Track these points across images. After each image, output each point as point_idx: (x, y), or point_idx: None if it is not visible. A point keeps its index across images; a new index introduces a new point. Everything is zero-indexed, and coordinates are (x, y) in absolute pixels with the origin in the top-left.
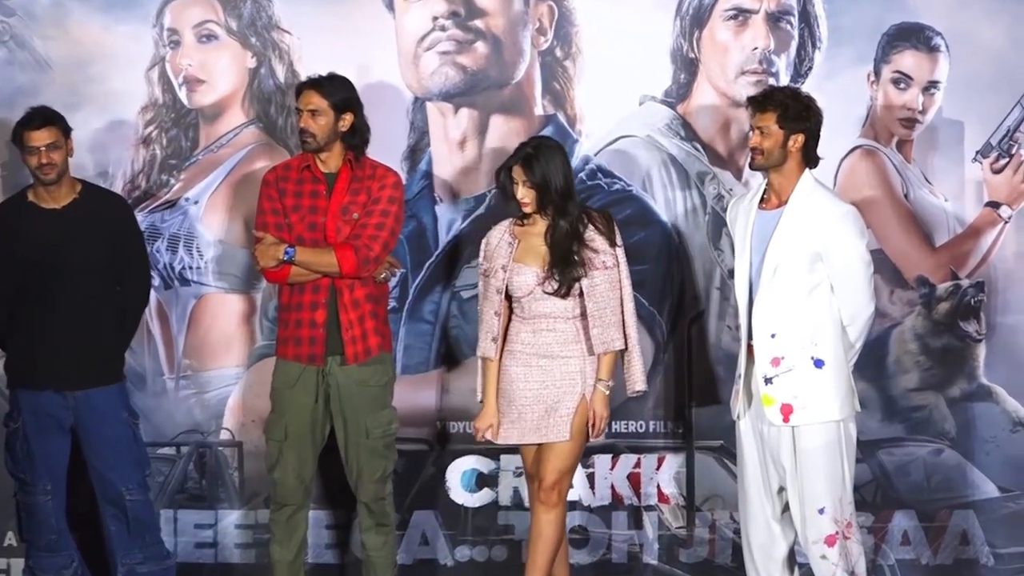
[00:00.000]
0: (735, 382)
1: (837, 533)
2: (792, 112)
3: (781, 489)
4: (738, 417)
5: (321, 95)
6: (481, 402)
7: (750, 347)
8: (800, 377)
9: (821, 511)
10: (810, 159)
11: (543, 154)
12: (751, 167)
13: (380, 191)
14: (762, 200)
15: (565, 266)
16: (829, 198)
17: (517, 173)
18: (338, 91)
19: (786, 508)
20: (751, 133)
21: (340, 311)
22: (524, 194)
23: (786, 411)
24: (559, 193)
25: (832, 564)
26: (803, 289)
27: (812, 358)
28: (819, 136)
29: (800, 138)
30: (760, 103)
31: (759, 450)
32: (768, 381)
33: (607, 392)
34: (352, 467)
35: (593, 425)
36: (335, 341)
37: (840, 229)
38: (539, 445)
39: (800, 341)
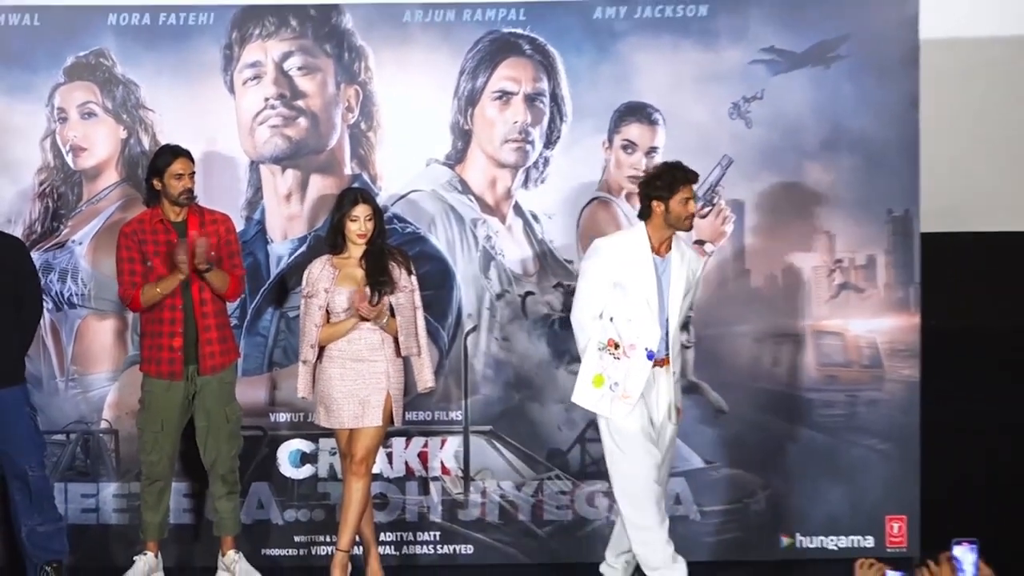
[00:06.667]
0: (635, 394)
1: None
2: None
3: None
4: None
5: (191, 162)
6: (303, 398)
7: (660, 362)
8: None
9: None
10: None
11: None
12: (689, 230)
13: (228, 234)
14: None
15: (380, 275)
16: (689, 246)
17: (363, 210)
18: None
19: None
20: (693, 202)
21: (200, 330)
22: (366, 228)
23: (678, 412)
24: (382, 223)
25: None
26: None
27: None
28: None
29: None
30: (695, 176)
31: (651, 434)
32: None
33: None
34: (212, 448)
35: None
36: (192, 355)
37: (699, 269)
38: (352, 429)
39: (676, 356)
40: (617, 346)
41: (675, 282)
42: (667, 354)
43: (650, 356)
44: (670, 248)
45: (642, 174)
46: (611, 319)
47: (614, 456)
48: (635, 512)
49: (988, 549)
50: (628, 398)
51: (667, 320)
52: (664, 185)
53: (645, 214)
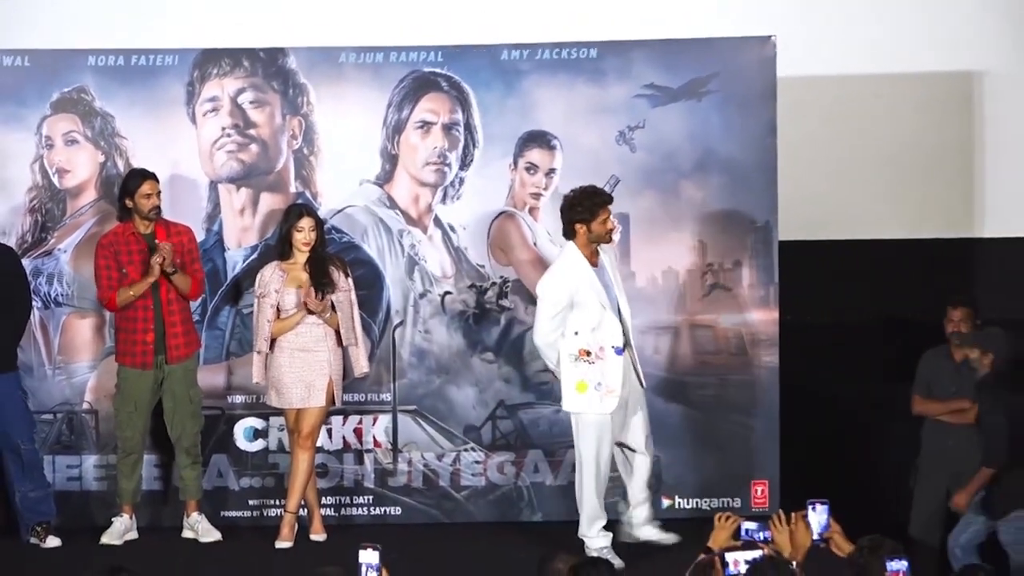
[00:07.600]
0: (618, 387)
1: None
2: None
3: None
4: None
5: (157, 182)
6: (256, 383)
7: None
8: None
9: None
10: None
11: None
12: (610, 243)
13: (190, 243)
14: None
15: (322, 277)
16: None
17: (307, 223)
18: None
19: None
20: (611, 219)
21: (167, 326)
22: (310, 237)
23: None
24: (323, 234)
25: None
26: None
27: None
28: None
29: None
30: (611, 198)
31: (615, 418)
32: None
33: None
34: (177, 425)
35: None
36: (161, 347)
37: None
38: (299, 409)
39: None
40: (589, 353)
41: (615, 280)
42: (626, 341)
43: (618, 352)
44: (598, 255)
45: (542, 191)
46: (575, 333)
47: (583, 450)
48: (591, 485)
49: (837, 508)
50: (613, 391)
51: (619, 313)
52: (585, 209)
53: (570, 235)
